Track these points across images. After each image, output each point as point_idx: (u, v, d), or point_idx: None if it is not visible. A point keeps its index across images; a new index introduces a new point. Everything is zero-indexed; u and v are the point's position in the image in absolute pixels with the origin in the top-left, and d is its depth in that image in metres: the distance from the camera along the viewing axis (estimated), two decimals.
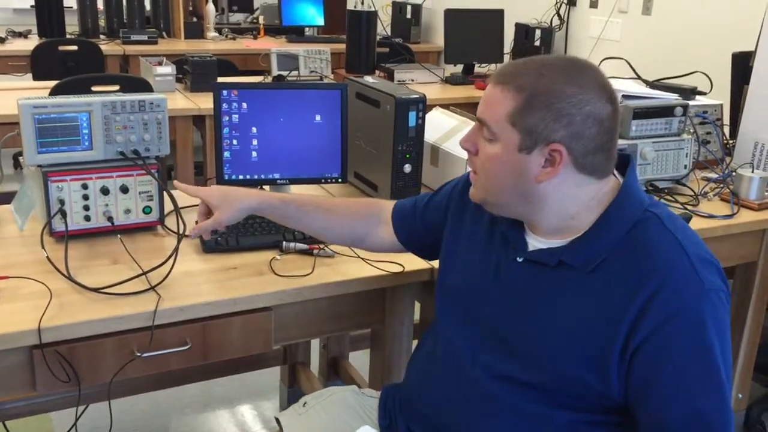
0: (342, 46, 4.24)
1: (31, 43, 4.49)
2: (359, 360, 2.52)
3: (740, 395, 2.39)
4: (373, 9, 3.95)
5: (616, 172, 1.23)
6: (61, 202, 1.62)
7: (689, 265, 1.11)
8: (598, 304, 1.13)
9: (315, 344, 2.58)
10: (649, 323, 1.09)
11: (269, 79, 3.68)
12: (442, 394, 1.30)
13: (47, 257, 1.51)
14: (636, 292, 1.10)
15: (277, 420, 1.55)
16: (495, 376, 1.23)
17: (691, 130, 2.20)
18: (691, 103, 2.23)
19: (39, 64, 4.18)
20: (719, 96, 2.49)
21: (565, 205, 1.19)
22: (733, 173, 2.18)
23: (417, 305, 1.77)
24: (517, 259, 1.24)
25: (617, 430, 1.19)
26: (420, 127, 1.92)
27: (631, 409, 1.14)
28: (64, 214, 1.61)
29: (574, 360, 1.14)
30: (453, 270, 1.37)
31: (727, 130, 2.49)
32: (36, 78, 4.17)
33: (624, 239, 1.15)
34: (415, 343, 1.52)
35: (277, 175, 1.88)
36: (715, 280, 1.13)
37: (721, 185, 2.20)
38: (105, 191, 1.65)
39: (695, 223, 1.90)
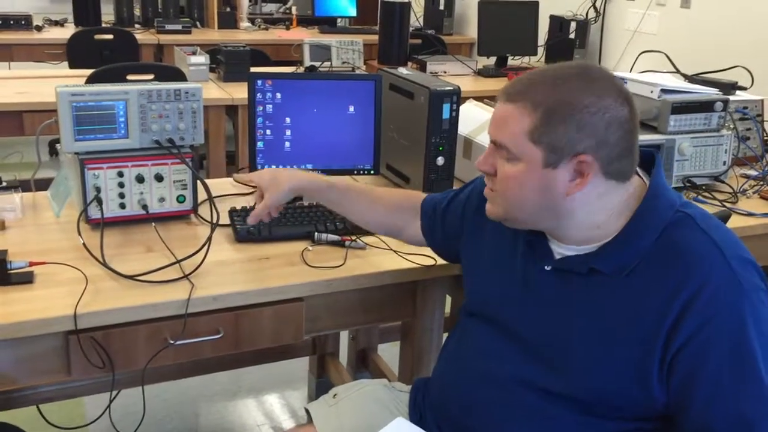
0: (374, 38, 4.24)
1: (67, 31, 4.55)
2: (388, 352, 2.52)
3: None
4: (406, 0, 3.93)
5: (639, 170, 1.20)
6: (97, 189, 1.63)
7: (726, 266, 1.08)
8: (634, 310, 1.11)
9: (344, 335, 2.59)
10: (689, 327, 1.07)
11: (301, 70, 3.68)
12: (471, 397, 1.28)
13: (83, 244, 1.52)
14: (673, 296, 1.08)
15: (307, 411, 1.55)
16: (527, 386, 1.20)
17: (731, 126, 2.16)
18: (731, 98, 2.18)
19: (75, 53, 4.23)
20: (760, 91, 2.43)
21: (593, 214, 1.16)
22: None
23: (448, 299, 1.76)
24: (545, 267, 1.21)
25: None
26: (454, 120, 1.90)
27: (673, 415, 1.12)
28: (100, 202, 1.63)
29: (612, 370, 1.12)
30: (479, 280, 1.35)
31: (767, 126, 2.44)
32: (72, 66, 4.22)
33: (657, 242, 1.12)
34: (445, 336, 1.51)
35: (309, 166, 1.88)
36: (755, 279, 1.10)
37: (761, 182, 2.15)
38: (140, 179, 1.66)
39: (734, 221, 1.86)
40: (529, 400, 1.20)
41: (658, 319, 1.08)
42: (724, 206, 1.97)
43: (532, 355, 1.21)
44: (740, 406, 1.06)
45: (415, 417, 1.43)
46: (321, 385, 2.52)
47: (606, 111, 1.10)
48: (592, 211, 1.16)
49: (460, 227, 1.42)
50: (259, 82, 1.81)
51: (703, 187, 2.08)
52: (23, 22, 4.54)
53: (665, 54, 2.57)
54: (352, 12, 5.59)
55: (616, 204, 1.16)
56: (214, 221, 1.56)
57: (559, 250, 1.22)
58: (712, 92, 2.16)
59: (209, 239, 1.52)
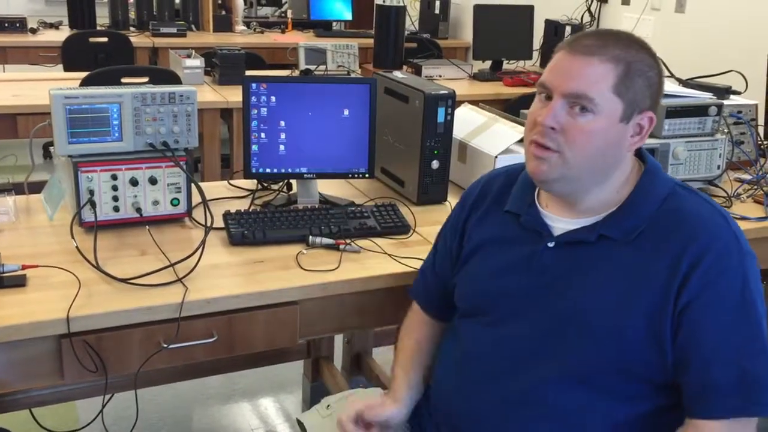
0: (369, 41, 4.24)
1: (62, 34, 4.54)
2: (383, 356, 2.51)
3: None
4: (401, 4, 3.93)
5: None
6: (91, 192, 1.62)
7: (730, 230, 1.17)
8: (644, 270, 1.16)
9: (339, 339, 2.58)
10: (697, 282, 1.13)
11: (296, 73, 3.68)
12: (482, 399, 1.27)
13: (76, 247, 1.52)
14: (682, 254, 1.14)
15: (299, 422, 1.53)
16: (543, 380, 1.20)
17: (725, 130, 2.16)
18: (725, 102, 2.18)
19: (70, 56, 4.23)
20: (754, 96, 2.44)
21: (619, 178, 1.23)
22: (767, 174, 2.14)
23: None
24: (548, 245, 1.25)
25: (665, 418, 1.19)
26: (449, 123, 1.90)
27: (677, 374, 1.15)
28: (93, 205, 1.62)
29: (629, 332, 1.15)
30: (477, 276, 1.34)
31: (761, 130, 2.44)
32: (66, 69, 4.21)
33: (660, 209, 1.20)
34: None
35: (304, 170, 1.88)
36: (749, 247, 1.18)
37: (755, 187, 2.15)
38: (134, 182, 1.66)
39: None
40: (545, 392, 1.20)
41: (668, 277, 1.14)
42: None
43: (541, 342, 1.22)
44: (745, 361, 1.11)
45: (414, 425, 1.42)
46: (315, 389, 2.52)
47: (661, 71, 1.21)
48: (622, 172, 1.22)
49: (462, 234, 1.41)
50: (254, 85, 1.81)
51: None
52: (18, 25, 4.53)
53: (660, 58, 2.58)
54: (348, 15, 5.59)
55: (628, 172, 1.24)
56: (209, 224, 1.56)
57: (561, 226, 1.25)
58: (707, 96, 2.16)
59: (203, 242, 1.52)
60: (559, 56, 1.20)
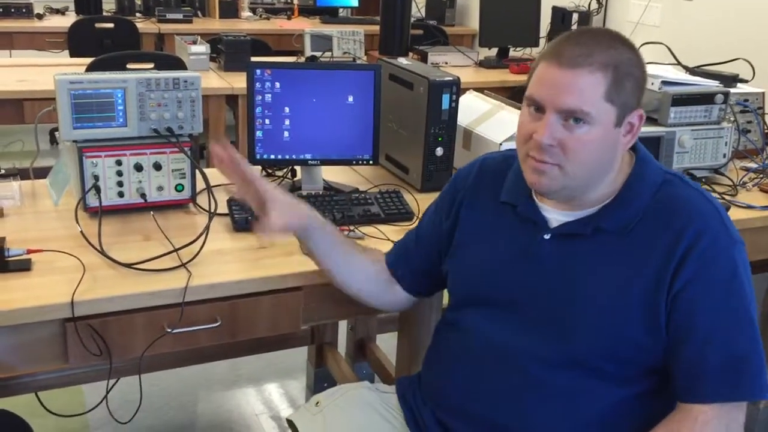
0: (376, 28, 4.22)
1: (68, 19, 4.54)
2: (386, 342, 2.52)
3: None
4: None
5: None
6: (96, 177, 1.63)
7: (719, 218, 1.19)
8: (640, 261, 1.18)
9: (343, 325, 2.59)
10: (689, 271, 1.15)
11: (302, 60, 3.68)
12: (485, 387, 1.28)
13: (81, 232, 1.52)
14: (676, 243, 1.16)
15: (289, 422, 1.50)
16: (541, 360, 1.22)
17: (732, 119, 2.15)
18: (732, 90, 2.17)
19: (75, 41, 4.23)
20: (761, 84, 2.42)
21: (613, 171, 1.23)
22: None
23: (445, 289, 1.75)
24: (545, 237, 1.25)
25: (658, 398, 1.22)
26: (453, 110, 1.90)
27: (668, 358, 1.18)
28: (98, 190, 1.62)
29: (624, 321, 1.17)
30: (474, 265, 1.34)
31: None
32: (72, 54, 4.22)
33: (654, 199, 1.21)
34: None
35: (308, 156, 1.88)
36: (738, 234, 1.20)
37: (761, 175, 2.14)
38: (138, 168, 1.66)
39: (733, 214, 1.86)
40: (546, 377, 1.22)
41: (663, 265, 1.16)
42: (723, 199, 1.97)
43: (539, 328, 1.23)
44: (735, 345, 1.15)
45: (409, 416, 1.42)
46: (320, 374, 2.53)
47: (644, 65, 1.20)
48: (614, 167, 1.23)
49: (456, 219, 1.40)
50: (258, 71, 1.80)
51: (703, 180, 2.07)
52: (24, 10, 4.54)
53: (666, 46, 2.56)
54: (354, 2, 5.58)
55: (620, 163, 1.24)
56: (213, 210, 1.56)
57: (557, 218, 1.26)
58: (713, 84, 2.15)
59: (207, 228, 1.52)
60: (545, 69, 1.17)
